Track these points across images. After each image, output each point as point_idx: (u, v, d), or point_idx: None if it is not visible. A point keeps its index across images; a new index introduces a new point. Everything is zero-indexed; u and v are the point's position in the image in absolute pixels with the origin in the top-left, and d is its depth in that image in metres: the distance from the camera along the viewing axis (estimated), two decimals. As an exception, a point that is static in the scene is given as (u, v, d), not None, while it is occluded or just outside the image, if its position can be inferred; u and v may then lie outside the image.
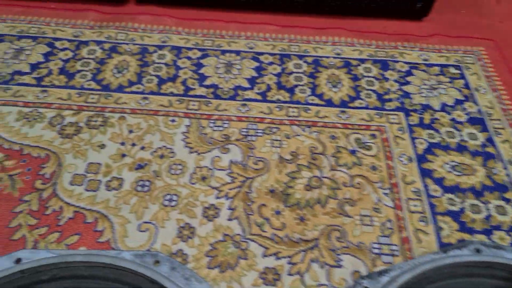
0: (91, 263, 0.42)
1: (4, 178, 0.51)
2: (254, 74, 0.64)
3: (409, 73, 0.65)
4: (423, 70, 0.66)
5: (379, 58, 0.67)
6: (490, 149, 0.56)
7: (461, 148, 0.56)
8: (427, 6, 0.71)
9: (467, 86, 0.64)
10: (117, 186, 0.51)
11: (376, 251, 0.46)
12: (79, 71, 0.64)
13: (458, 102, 0.61)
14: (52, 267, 0.42)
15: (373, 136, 0.57)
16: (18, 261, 0.43)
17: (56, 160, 0.53)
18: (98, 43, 0.68)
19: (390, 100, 0.61)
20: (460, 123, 0.59)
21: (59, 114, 0.58)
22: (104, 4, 0.74)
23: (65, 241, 0.46)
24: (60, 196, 0.50)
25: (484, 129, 0.58)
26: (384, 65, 0.66)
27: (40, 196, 0.50)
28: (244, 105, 0.60)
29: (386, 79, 0.64)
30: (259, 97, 0.61)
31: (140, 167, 0.53)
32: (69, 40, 0.68)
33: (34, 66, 0.64)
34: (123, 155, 0.54)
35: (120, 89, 0.61)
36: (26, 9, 0.73)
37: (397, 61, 0.67)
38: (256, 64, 0.66)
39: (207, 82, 0.63)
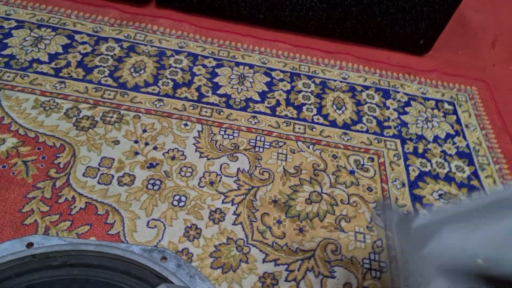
0: (102, 254, 0.44)
1: (19, 163, 0.53)
2: (265, 88, 0.68)
3: (408, 104, 0.70)
4: (421, 103, 0.71)
5: (381, 87, 0.72)
6: (474, 182, 0.61)
7: (449, 179, 0.61)
8: (429, 44, 0.77)
9: (458, 122, 0.69)
10: (129, 182, 0.53)
11: (366, 266, 0.50)
12: (97, 66, 0.66)
13: (449, 136, 0.67)
14: (63, 254, 0.44)
15: (371, 159, 0.61)
16: (29, 245, 0.45)
17: (71, 151, 0.55)
18: (117, 41, 0.70)
19: (389, 127, 0.66)
20: (450, 155, 0.64)
21: (75, 107, 0.60)
22: (126, 3, 0.76)
23: (76, 230, 0.48)
24: (73, 186, 0.52)
25: (471, 163, 0.63)
26: (386, 93, 0.71)
27: (53, 184, 0.51)
28: (254, 117, 0.63)
29: (387, 107, 0.69)
30: (268, 111, 0.65)
31: (152, 166, 0.55)
32: (88, 35, 0.70)
33: (53, 56, 0.65)
34: (136, 153, 0.56)
35: (136, 88, 0.64)
36: (47, -1, 0.74)
37: (398, 91, 0.72)
38: (268, 79, 0.70)
39: (220, 91, 0.66)
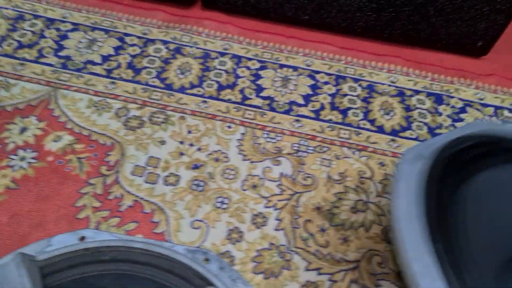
0: (148, 251, 0.45)
1: (73, 160, 0.55)
2: (309, 91, 0.67)
3: (463, 110, 0.66)
4: (477, 109, 0.66)
5: (433, 91, 0.68)
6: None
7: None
8: (488, 46, 0.71)
9: (519, 130, 0.64)
10: (174, 182, 0.54)
11: (414, 281, 0.47)
12: (145, 68, 0.68)
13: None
14: (113, 249, 0.45)
15: (421, 168, 0.58)
16: (82, 238, 0.47)
17: (120, 150, 0.57)
18: (164, 42, 0.72)
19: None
20: (509, 167, 0.59)
21: (125, 107, 0.62)
22: (172, 6, 0.78)
23: (124, 227, 0.50)
24: (122, 184, 0.53)
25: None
26: (438, 98, 0.67)
27: (104, 181, 0.54)
28: (297, 120, 0.62)
29: (440, 113, 0.65)
30: (312, 115, 0.63)
31: (196, 167, 0.56)
32: (137, 37, 0.72)
33: (105, 58, 0.68)
34: (181, 154, 0.57)
35: (182, 90, 0.65)
36: (100, 2, 0.78)
37: (452, 97, 0.68)
38: (312, 82, 0.68)
39: (264, 93, 0.66)
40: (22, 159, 0.55)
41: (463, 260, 0.34)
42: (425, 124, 0.64)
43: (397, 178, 0.37)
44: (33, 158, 0.55)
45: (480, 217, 0.37)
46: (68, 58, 0.68)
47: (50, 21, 0.73)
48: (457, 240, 0.36)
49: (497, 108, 0.67)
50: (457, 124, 0.64)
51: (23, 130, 0.58)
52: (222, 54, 0.71)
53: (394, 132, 0.62)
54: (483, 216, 0.37)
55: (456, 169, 0.37)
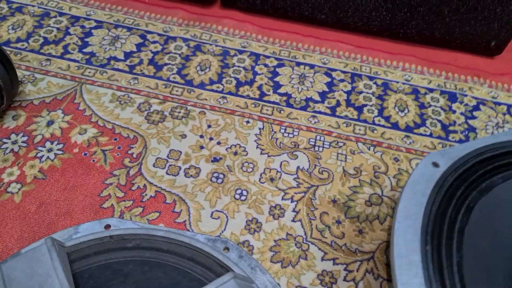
0: (170, 240, 0.47)
1: (98, 152, 0.58)
2: (326, 89, 0.68)
3: (476, 108, 0.67)
4: (491, 107, 0.67)
5: (447, 90, 0.69)
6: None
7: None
8: (502, 45, 0.72)
9: (533, 129, 0.65)
10: (195, 174, 0.56)
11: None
12: (166, 64, 0.70)
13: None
14: (137, 237, 0.48)
15: (435, 164, 0.59)
16: (107, 227, 0.49)
17: (143, 143, 0.59)
18: (185, 40, 0.74)
19: (455, 131, 0.63)
20: (523, 164, 0.60)
21: (147, 101, 0.64)
22: (192, 4, 0.80)
23: (147, 216, 0.52)
24: (145, 175, 0.56)
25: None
26: (452, 96, 0.68)
27: (127, 173, 0.56)
28: (314, 116, 0.64)
29: (453, 111, 0.66)
30: (328, 111, 0.65)
31: (215, 160, 0.58)
32: (159, 34, 0.75)
33: (128, 54, 0.71)
34: (201, 147, 0.59)
35: (202, 85, 0.67)
36: (123, 1, 0.80)
37: (466, 95, 0.69)
38: (328, 79, 0.70)
39: (281, 90, 0.68)
40: (49, 150, 0.58)
41: (448, 266, 0.34)
42: (439, 121, 0.65)
43: (410, 177, 0.38)
44: (59, 149, 0.58)
45: (480, 228, 0.36)
46: (92, 54, 0.70)
47: (75, 19, 0.76)
48: (449, 246, 0.35)
49: (509, 106, 0.68)
50: (470, 121, 0.65)
51: (50, 123, 0.60)
52: (241, 52, 0.73)
53: (408, 129, 0.63)
54: (483, 228, 0.36)
55: (470, 178, 0.37)
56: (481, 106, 0.67)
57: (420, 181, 0.37)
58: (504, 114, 0.67)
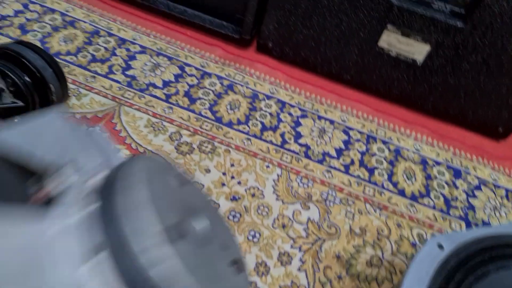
0: None
1: (128, 174, 0.62)
2: (342, 146, 0.74)
3: (478, 188, 0.72)
4: (491, 189, 0.73)
5: (453, 165, 0.75)
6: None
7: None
8: (508, 132, 0.78)
9: (527, 215, 0.70)
10: (214, 210, 0.60)
11: None
12: (199, 98, 0.75)
13: (516, 227, 0.68)
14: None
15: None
16: None
17: (170, 171, 0.64)
18: (219, 77, 0.80)
19: (455, 207, 0.69)
20: (513, 248, 0.65)
21: (178, 132, 0.69)
22: (230, 45, 0.86)
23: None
24: (168, 203, 0.60)
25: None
26: (457, 172, 0.74)
27: (153, 198, 0.60)
28: (328, 171, 0.69)
29: (456, 187, 0.71)
30: (342, 168, 0.70)
31: (234, 199, 0.62)
32: (196, 68, 0.80)
33: (166, 83, 0.76)
34: (223, 184, 0.64)
35: (230, 124, 0.72)
36: (166, 30, 0.86)
37: (469, 173, 0.74)
38: (345, 137, 0.75)
39: (302, 140, 0.73)
40: (82, 163, 0.62)
41: None
42: (442, 194, 0.70)
43: (417, 256, 0.42)
44: (92, 164, 0.62)
45: None
46: (133, 77, 0.75)
47: (122, 41, 0.81)
48: None
49: (508, 191, 0.73)
50: (470, 199, 0.70)
51: (86, 137, 0.65)
52: (269, 97, 0.79)
53: (413, 197, 0.68)
54: None
55: (469, 263, 0.42)
56: (482, 186, 0.73)
57: (425, 260, 0.41)
58: (502, 198, 0.72)
